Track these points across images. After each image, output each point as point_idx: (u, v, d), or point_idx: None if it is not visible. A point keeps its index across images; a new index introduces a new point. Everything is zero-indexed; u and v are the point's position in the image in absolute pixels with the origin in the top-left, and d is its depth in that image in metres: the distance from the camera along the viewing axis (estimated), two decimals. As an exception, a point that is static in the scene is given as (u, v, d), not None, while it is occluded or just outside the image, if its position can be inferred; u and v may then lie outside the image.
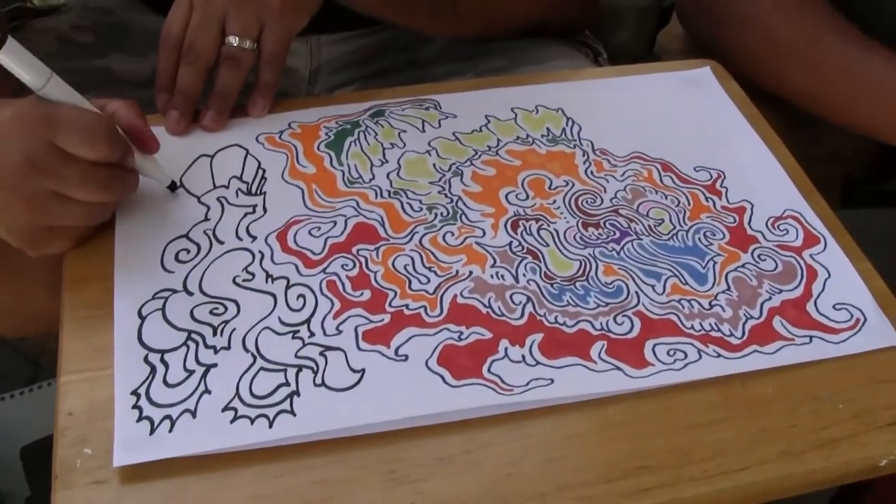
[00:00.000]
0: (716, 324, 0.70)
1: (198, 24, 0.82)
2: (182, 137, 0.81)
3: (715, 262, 0.74)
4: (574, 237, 0.75)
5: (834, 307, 0.72)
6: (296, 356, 0.66)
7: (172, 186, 0.76)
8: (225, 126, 0.82)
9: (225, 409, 0.63)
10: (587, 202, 0.78)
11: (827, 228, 0.78)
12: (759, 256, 0.75)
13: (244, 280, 0.71)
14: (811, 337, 0.70)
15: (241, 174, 0.79)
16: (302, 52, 1.05)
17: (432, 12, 0.94)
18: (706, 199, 0.79)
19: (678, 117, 0.86)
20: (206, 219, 0.75)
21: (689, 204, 0.78)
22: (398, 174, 0.79)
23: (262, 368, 0.65)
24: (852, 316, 0.72)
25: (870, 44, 0.91)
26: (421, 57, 1.05)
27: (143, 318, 0.68)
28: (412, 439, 0.64)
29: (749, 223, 0.78)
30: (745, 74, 0.95)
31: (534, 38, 1.01)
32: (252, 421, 0.62)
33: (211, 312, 0.69)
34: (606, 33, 1.25)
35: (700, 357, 0.68)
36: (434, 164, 0.80)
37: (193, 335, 0.67)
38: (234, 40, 0.82)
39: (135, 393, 0.63)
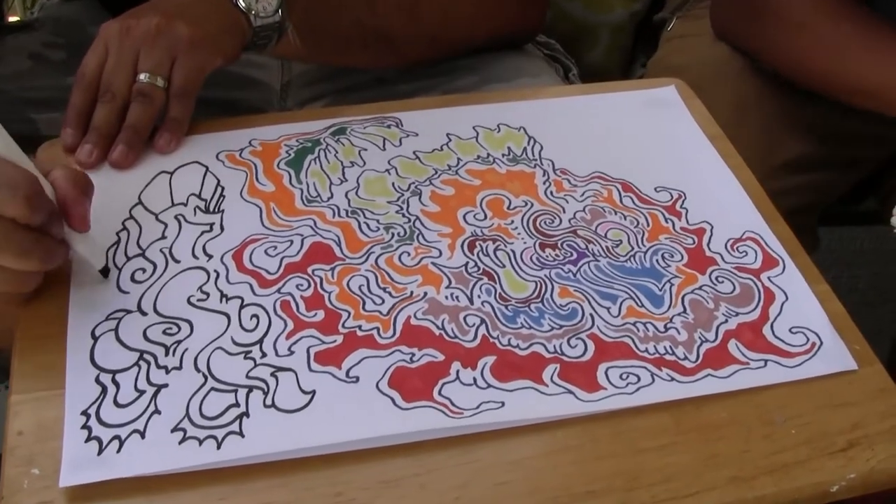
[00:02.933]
0: (670, 347, 0.70)
1: (113, 65, 0.83)
2: (143, 155, 0.81)
3: (672, 285, 0.74)
4: (531, 258, 0.75)
5: (790, 331, 0.72)
6: (247, 377, 0.66)
7: (105, 272, 0.74)
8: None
9: (174, 429, 0.63)
10: (545, 223, 0.78)
11: (786, 251, 0.77)
12: (716, 279, 0.75)
13: (198, 300, 0.71)
14: (766, 361, 0.70)
15: (200, 192, 0.79)
16: (273, 67, 1.05)
17: (366, 49, 0.95)
18: (666, 220, 0.79)
19: (640, 137, 0.86)
20: (163, 237, 0.75)
21: (648, 225, 0.78)
22: (357, 193, 0.79)
23: (212, 389, 0.65)
24: (808, 339, 0.71)
25: None
26: (389, 73, 1.05)
27: (95, 339, 0.67)
28: (359, 462, 0.63)
29: (708, 245, 0.77)
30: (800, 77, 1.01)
31: (503, 55, 1.01)
32: (200, 442, 0.62)
33: (164, 332, 0.68)
34: (580, 51, 1.25)
35: (653, 381, 0.68)
36: (393, 184, 0.80)
37: (146, 355, 0.67)
38: (144, 77, 0.83)
39: (84, 413, 0.63)
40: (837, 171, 1.11)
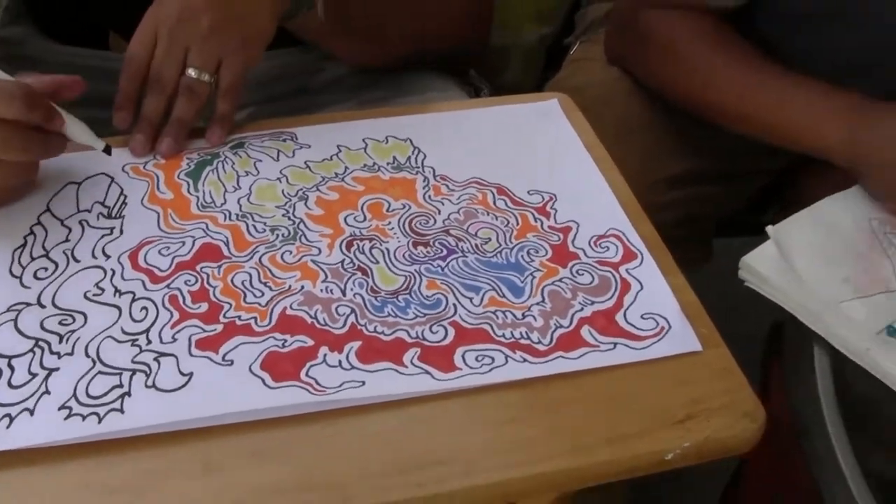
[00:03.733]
0: (526, 332, 0.76)
1: (163, 55, 0.89)
2: (55, 167, 0.87)
3: (534, 277, 0.80)
4: (403, 255, 0.81)
5: (642, 317, 0.78)
6: (132, 361, 0.72)
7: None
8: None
9: (61, 407, 0.68)
10: (420, 223, 0.84)
11: (646, 246, 0.83)
12: (577, 271, 0.81)
13: (94, 294, 0.77)
14: (616, 343, 0.76)
15: (104, 200, 0.85)
16: None
17: (365, 39, 1.04)
18: (535, 219, 0.85)
19: (520, 145, 0.92)
20: (67, 240, 0.81)
21: (518, 224, 0.84)
22: (248, 199, 0.85)
23: (99, 372, 0.71)
24: (658, 324, 0.77)
25: (783, 68, 1.05)
26: (311, 85, 1.11)
27: (-6, 328, 0.73)
28: (228, 435, 0.69)
29: (573, 241, 0.83)
30: (677, 101, 1.08)
31: (417, 72, 1.08)
32: (84, 418, 0.68)
33: (60, 323, 0.74)
34: (493, 73, 1.32)
35: (506, 362, 0.73)
36: (283, 190, 0.86)
37: (41, 342, 0.73)
38: (193, 73, 0.89)
39: (-20, 394, 0.69)
40: (729, 184, 1.17)
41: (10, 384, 0.70)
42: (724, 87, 1.04)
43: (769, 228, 0.91)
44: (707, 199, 1.13)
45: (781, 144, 1.02)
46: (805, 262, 0.91)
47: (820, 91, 1.01)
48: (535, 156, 0.91)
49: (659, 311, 0.78)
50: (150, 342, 0.73)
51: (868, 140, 0.96)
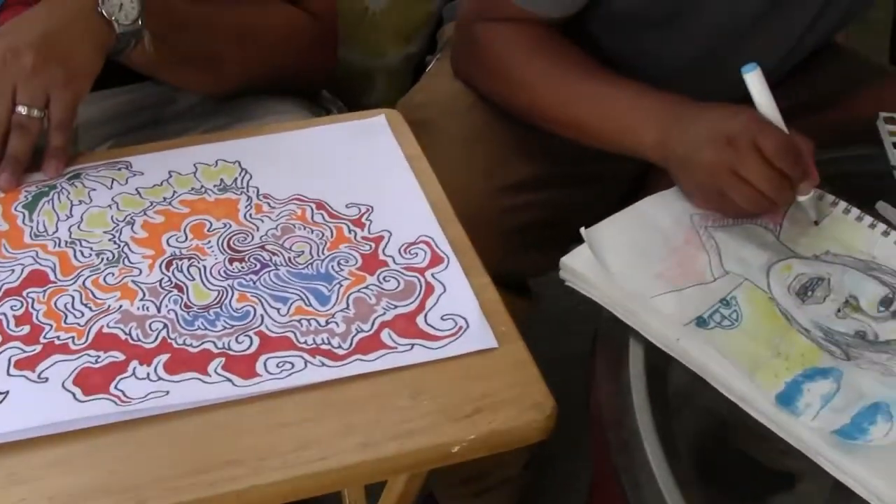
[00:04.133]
0: (327, 338, 0.80)
1: None
2: None
3: (341, 286, 0.85)
4: (219, 271, 0.86)
5: (442, 318, 0.82)
6: (-47, 384, 0.76)
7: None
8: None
9: None
10: (238, 241, 0.89)
11: (453, 250, 0.88)
12: (383, 278, 0.86)
13: (-76, 323, 0.81)
14: (413, 345, 0.80)
15: (-57, 233, 0.90)
16: None
17: (199, 70, 1.09)
18: (349, 231, 0.90)
19: (342, 161, 0.97)
20: None
21: (332, 236, 0.89)
22: (79, 227, 0.90)
23: (-79, 395, 0.76)
24: (456, 324, 0.82)
25: (605, 73, 1.09)
26: (164, 116, 1.16)
27: None
28: (37, 447, 0.74)
29: (384, 250, 0.88)
30: (511, 111, 1.15)
31: (263, 97, 1.13)
32: None
33: None
34: (359, 95, 1.36)
35: (305, 367, 0.78)
36: (112, 216, 0.91)
37: None
38: (22, 110, 0.94)
39: None
40: (583, 188, 1.21)
41: None
42: (549, 95, 1.09)
43: (583, 230, 0.95)
44: (560, 203, 1.17)
45: (607, 148, 1.07)
46: (618, 260, 0.96)
47: (638, 94, 1.07)
48: (355, 170, 0.96)
49: (459, 311, 0.83)
50: (-29, 366, 0.77)
51: (679, 140, 1.01)
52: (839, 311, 0.95)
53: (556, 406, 0.78)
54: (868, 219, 1.04)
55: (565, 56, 1.10)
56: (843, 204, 1.05)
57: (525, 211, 1.12)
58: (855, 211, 1.05)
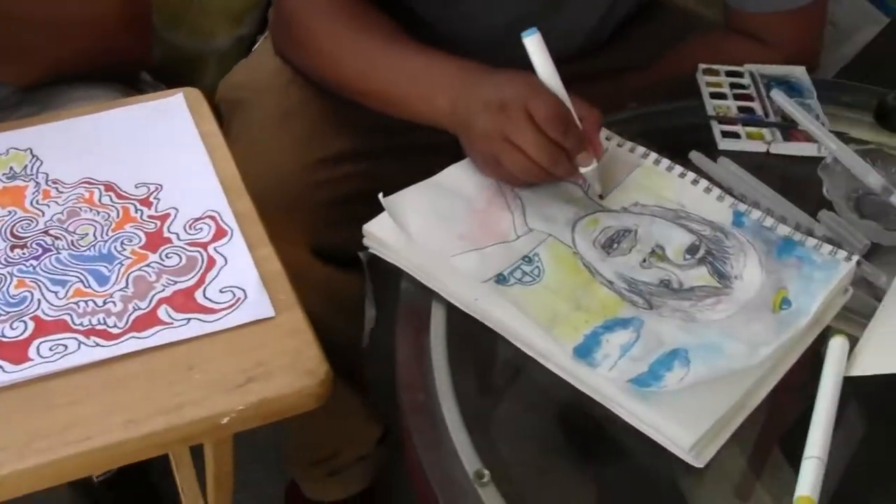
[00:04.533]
0: (104, 318, 0.80)
1: None
2: None
3: (122, 265, 0.84)
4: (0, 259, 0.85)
5: (220, 290, 0.83)
6: None
7: None
8: None
9: None
10: (22, 227, 0.88)
11: (240, 223, 0.88)
12: (166, 255, 0.85)
13: None
14: (189, 319, 0.80)
15: None
16: None
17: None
18: (136, 210, 0.89)
19: (134, 142, 0.97)
20: None
21: (119, 217, 0.89)
22: None
23: None
24: (235, 296, 0.82)
25: (404, 42, 1.08)
26: None
27: None
28: None
29: (168, 227, 0.88)
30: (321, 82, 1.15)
31: (74, 85, 1.12)
32: None
33: None
34: (192, 79, 1.36)
35: (79, 348, 0.78)
36: None
37: None
38: None
39: None
40: (395, 160, 1.20)
41: None
42: (350, 65, 1.09)
43: (381, 197, 0.95)
44: (378, 175, 1.14)
45: (411, 119, 1.07)
46: (419, 224, 0.96)
47: (430, 61, 1.06)
48: (148, 150, 0.96)
49: (238, 283, 0.83)
50: None
51: (464, 107, 1.01)
52: (644, 260, 0.96)
53: (329, 371, 0.79)
54: (678, 168, 1.05)
55: (367, 25, 1.10)
56: (653, 155, 1.06)
57: (342, 184, 1.12)
58: (665, 161, 1.06)
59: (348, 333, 1.24)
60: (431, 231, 0.95)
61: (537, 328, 0.88)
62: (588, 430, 0.89)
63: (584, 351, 0.87)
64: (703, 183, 1.03)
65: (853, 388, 0.87)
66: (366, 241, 0.97)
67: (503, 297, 0.90)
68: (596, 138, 0.99)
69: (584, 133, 0.98)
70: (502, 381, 0.95)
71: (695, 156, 1.08)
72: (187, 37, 1.46)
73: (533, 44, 0.98)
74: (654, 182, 1.04)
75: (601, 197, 1.01)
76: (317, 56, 1.12)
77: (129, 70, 1.18)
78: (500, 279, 0.93)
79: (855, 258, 0.96)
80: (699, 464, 0.82)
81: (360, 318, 1.27)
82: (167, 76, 1.33)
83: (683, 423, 0.82)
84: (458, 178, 1.02)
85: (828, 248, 0.97)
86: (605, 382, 0.85)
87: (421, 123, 1.05)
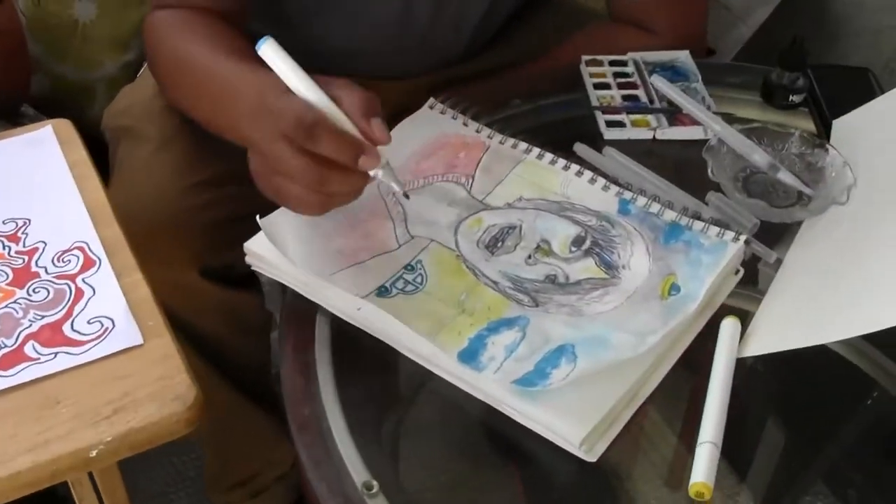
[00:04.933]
0: (-35, 359, 0.78)
1: None
2: None
3: (-13, 303, 0.83)
4: None
5: (88, 322, 0.81)
6: None
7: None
8: None
9: None
10: None
11: (108, 252, 0.86)
12: (33, 290, 0.84)
13: None
14: (57, 353, 0.79)
15: None
16: None
17: None
18: (4, 247, 0.88)
19: (3, 177, 0.95)
20: None
21: (-15, 255, 0.87)
22: None
23: None
24: (103, 326, 0.80)
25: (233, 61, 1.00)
26: None
27: None
28: None
29: (37, 261, 0.86)
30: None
31: None
32: None
33: None
34: (81, 108, 1.34)
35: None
36: None
37: None
38: None
39: None
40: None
41: None
42: (183, 83, 1.07)
43: (258, 218, 0.93)
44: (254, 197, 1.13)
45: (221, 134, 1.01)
46: (295, 243, 0.94)
47: (239, 78, 0.97)
48: (16, 184, 0.94)
49: (107, 313, 0.82)
50: None
51: (247, 121, 0.91)
52: (530, 257, 0.95)
53: (199, 396, 0.77)
54: (562, 161, 1.04)
55: (213, 43, 1.04)
56: (535, 150, 1.06)
57: (227, 204, 1.09)
58: (548, 155, 1.05)
59: (253, 354, 1.23)
60: (309, 249, 0.93)
61: (419, 337, 0.87)
62: (482, 437, 0.87)
63: (469, 355, 0.86)
64: (588, 174, 1.02)
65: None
66: (248, 259, 0.95)
67: (385, 309, 0.88)
68: (374, 132, 0.87)
69: (359, 130, 0.87)
70: (391, 391, 0.94)
71: (579, 147, 1.08)
72: (72, 66, 1.44)
73: (268, 52, 0.88)
74: (537, 176, 1.03)
75: (406, 196, 0.95)
76: (160, 76, 1.11)
77: (6, 104, 1.17)
78: (382, 291, 0.91)
79: (743, 238, 0.95)
80: (591, 458, 0.81)
81: (264, 339, 1.26)
82: (55, 107, 1.31)
83: (572, 419, 0.81)
84: None
85: (715, 230, 0.96)
86: (492, 385, 0.84)
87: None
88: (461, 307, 0.90)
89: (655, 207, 0.98)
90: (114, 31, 1.46)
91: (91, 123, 1.28)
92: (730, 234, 0.95)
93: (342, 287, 0.91)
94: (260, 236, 0.94)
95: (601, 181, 1.01)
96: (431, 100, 1.11)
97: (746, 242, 0.95)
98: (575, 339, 0.87)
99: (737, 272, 0.96)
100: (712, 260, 0.93)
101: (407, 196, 0.94)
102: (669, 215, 0.98)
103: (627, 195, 1.00)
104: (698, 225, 0.97)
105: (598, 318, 0.89)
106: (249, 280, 1.18)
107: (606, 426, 0.82)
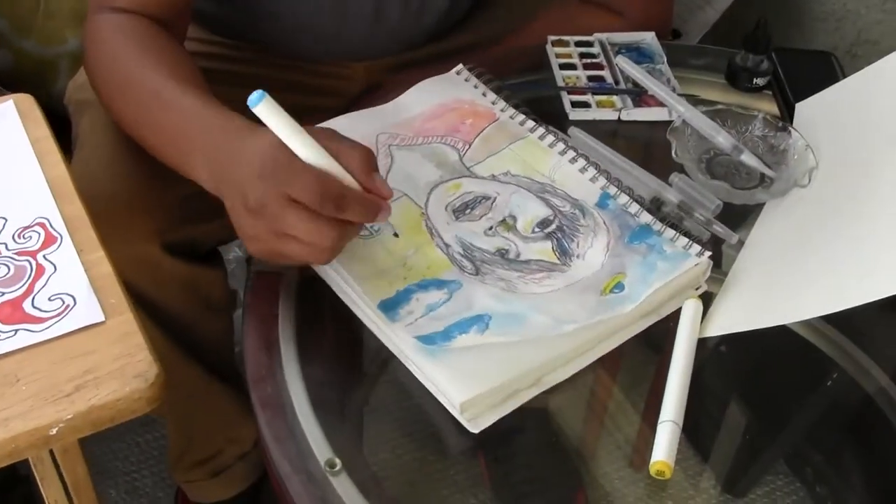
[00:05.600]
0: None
1: None
2: None
3: (-58, 280, 0.82)
4: None
5: (49, 299, 0.80)
6: None
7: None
8: None
9: None
10: None
11: (70, 228, 0.86)
12: (-8, 266, 0.83)
13: None
14: (17, 330, 0.78)
15: None
16: None
17: None
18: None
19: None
20: None
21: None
22: None
23: None
24: (64, 303, 0.80)
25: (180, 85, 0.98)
26: None
27: None
28: None
29: (-6, 237, 0.86)
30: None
31: None
32: None
33: None
34: (46, 83, 1.33)
35: None
36: None
37: None
38: None
39: None
40: None
41: None
42: (130, 106, 1.03)
43: None
44: None
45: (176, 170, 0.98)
46: None
47: (199, 119, 0.95)
48: (-24, 159, 0.93)
49: (68, 290, 0.81)
50: None
51: (226, 191, 0.90)
52: (491, 228, 0.96)
53: (161, 374, 0.77)
54: (560, 146, 1.04)
55: (157, 59, 1.01)
56: (540, 130, 1.06)
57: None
58: (550, 137, 1.05)
59: (217, 331, 1.22)
60: None
61: (350, 279, 0.89)
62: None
63: (390, 305, 0.88)
64: (581, 162, 1.02)
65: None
66: None
67: None
68: (380, 190, 0.87)
69: (365, 187, 0.87)
70: (355, 369, 0.94)
71: (573, 132, 1.08)
72: (36, 42, 1.43)
73: (263, 111, 0.83)
74: (531, 155, 1.04)
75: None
76: (100, 86, 1.06)
77: None
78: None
79: (707, 254, 0.93)
80: (473, 429, 0.82)
81: (228, 317, 1.25)
82: (20, 83, 1.30)
83: (459, 383, 0.82)
84: (339, 130, 0.98)
85: (683, 241, 0.94)
86: (397, 336, 0.86)
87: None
88: (403, 261, 0.92)
89: (634, 208, 0.97)
90: (77, 6, 1.45)
91: (54, 99, 1.27)
92: (696, 248, 0.93)
93: None
94: None
95: (591, 171, 1.01)
96: (460, 66, 1.13)
97: (707, 249, 0.94)
98: (494, 311, 0.87)
99: (697, 288, 0.94)
100: (667, 267, 0.92)
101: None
102: (645, 217, 0.97)
103: (612, 190, 0.99)
104: (669, 233, 0.95)
105: (527, 298, 0.89)
106: (213, 256, 1.18)
107: (497, 400, 0.83)
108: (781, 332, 0.89)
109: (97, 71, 1.07)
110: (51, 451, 0.86)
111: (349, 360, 0.94)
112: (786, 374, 0.95)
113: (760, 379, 0.95)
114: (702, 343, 0.88)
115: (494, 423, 0.82)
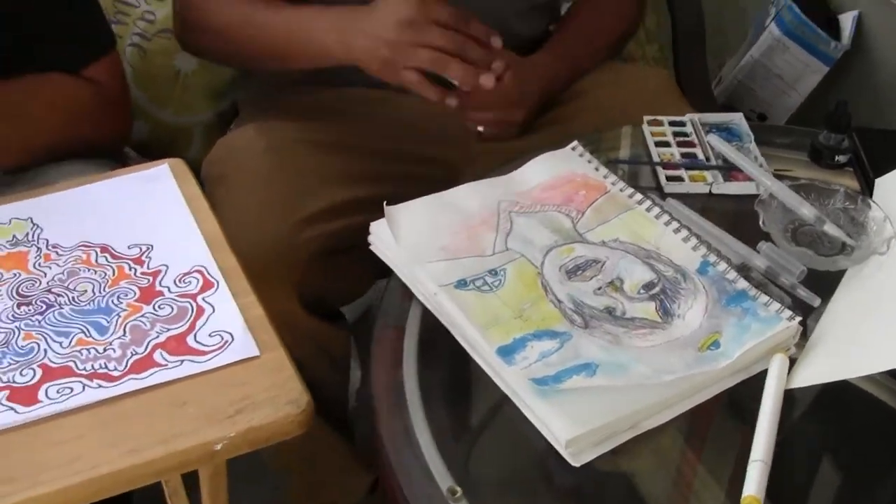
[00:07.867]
0: (105, 363, 0.89)
1: None
2: None
3: (119, 316, 0.93)
4: (7, 315, 0.94)
5: (209, 335, 0.91)
6: None
7: None
8: None
9: None
10: (26, 287, 0.97)
11: (224, 276, 0.97)
12: (158, 306, 0.94)
13: None
14: (183, 361, 0.89)
15: None
16: None
17: None
18: (130, 268, 0.99)
19: (126, 208, 1.06)
20: None
21: (114, 275, 0.98)
22: None
23: None
24: (223, 339, 0.91)
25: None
26: None
27: None
28: None
29: (160, 282, 0.97)
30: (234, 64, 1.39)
31: (61, 163, 1.21)
32: None
33: None
34: (178, 151, 1.45)
35: (83, 390, 0.86)
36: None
37: None
38: None
39: None
40: (378, 209, 1.29)
41: None
42: (237, 32, 1.29)
43: (385, 206, 1.09)
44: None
45: (305, 66, 1.29)
46: (410, 231, 1.08)
47: (313, 9, 1.26)
48: (138, 215, 1.05)
49: (225, 328, 0.92)
50: None
51: (360, 32, 1.21)
52: (600, 288, 1.05)
53: (311, 401, 0.87)
54: (665, 217, 1.14)
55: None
56: (647, 203, 1.16)
57: (327, 238, 1.19)
58: (655, 209, 1.15)
59: (336, 386, 1.32)
60: (418, 240, 1.07)
61: (471, 326, 0.99)
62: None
63: (507, 351, 0.97)
64: (684, 232, 1.11)
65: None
66: (370, 238, 1.09)
67: (456, 298, 1.01)
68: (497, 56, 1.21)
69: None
70: (470, 407, 1.03)
71: (670, 203, 1.18)
72: (172, 112, 1.56)
73: None
74: (638, 224, 1.14)
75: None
76: (210, 34, 1.30)
77: (109, 149, 1.27)
78: (460, 284, 1.03)
79: (797, 319, 1.00)
80: (576, 463, 0.90)
81: (345, 374, 1.35)
82: (153, 150, 1.43)
83: (566, 420, 0.91)
84: (464, 196, 1.14)
85: (776, 306, 1.03)
86: (513, 378, 0.95)
87: (321, 66, 1.25)
88: (520, 313, 1.01)
89: (732, 275, 1.07)
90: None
91: (188, 164, 1.39)
92: (787, 313, 1.01)
93: (431, 273, 1.03)
94: (382, 221, 1.09)
95: (693, 241, 1.11)
96: (575, 142, 1.24)
97: (798, 317, 1.02)
98: (600, 360, 0.96)
99: (787, 350, 1.02)
100: (760, 328, 1.01)
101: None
102: (742, 284, 1.06)
103: (711, 258, 1.09)
104: (763, 298, 1.04)
105: (631, 351, 0.99)
106: (339, 316, 1.28)
107: (599, 438, 0.92)
108: (869, 401, 0.97)
109: (200, 25, 1.34)
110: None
111: (466, 401, 1.03)
112: (864, 435, 1.02)
113: (847, 452, 1.01)
114: (788, 414, 0.96)
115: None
